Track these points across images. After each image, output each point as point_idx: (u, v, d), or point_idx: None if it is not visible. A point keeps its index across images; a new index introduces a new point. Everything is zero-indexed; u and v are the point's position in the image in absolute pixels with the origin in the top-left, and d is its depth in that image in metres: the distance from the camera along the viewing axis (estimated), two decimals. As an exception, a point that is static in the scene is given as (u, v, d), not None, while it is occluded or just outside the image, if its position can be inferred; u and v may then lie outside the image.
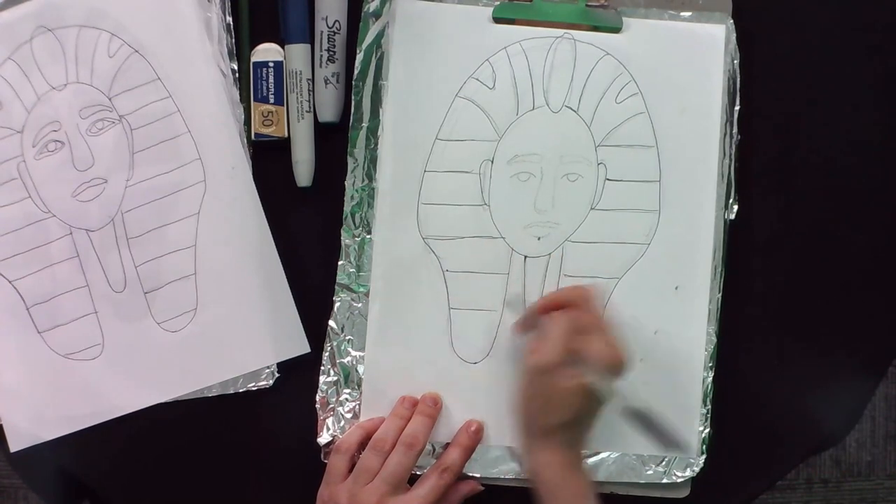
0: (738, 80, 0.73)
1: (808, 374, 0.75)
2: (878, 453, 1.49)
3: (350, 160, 0.72)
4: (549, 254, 0.72)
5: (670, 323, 0.72)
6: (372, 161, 0.72)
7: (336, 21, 0.72)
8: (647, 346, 0.72)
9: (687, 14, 0.73)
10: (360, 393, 0.72)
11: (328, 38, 0.72)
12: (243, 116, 0.72)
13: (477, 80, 0.72)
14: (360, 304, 0.72)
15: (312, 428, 0.72)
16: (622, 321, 0.72)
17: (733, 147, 0.73)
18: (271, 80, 0.72)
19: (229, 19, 0.72)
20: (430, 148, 0.72)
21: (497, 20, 0.73)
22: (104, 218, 0.72)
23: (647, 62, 0.73)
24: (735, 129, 0.73)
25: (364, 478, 0.67)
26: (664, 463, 0.73)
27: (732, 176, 0.73)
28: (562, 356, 0.63)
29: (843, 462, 1.48)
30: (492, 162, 0.72)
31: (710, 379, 0.73)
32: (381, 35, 0.72)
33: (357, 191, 0.72)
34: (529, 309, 0.70)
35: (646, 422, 0.62)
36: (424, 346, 0.72)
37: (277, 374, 0.72)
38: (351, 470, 0.69)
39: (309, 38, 0.72)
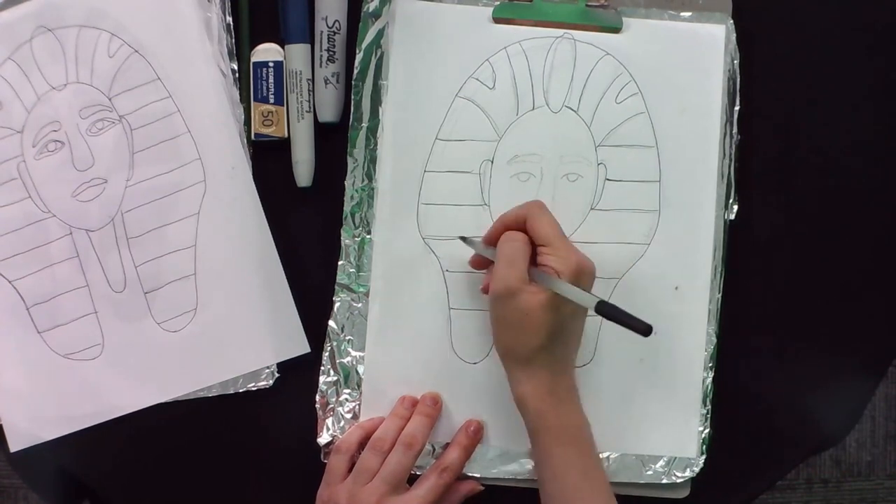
0: (738, 80, 0.73)
1: (808, 374, 0.75)
2: (878, 453, 1.49)
3: (350, 160, 0.72)
4: (549, 254, 0.72)
5: (670, 323, 0.72)
6: (372, 161, 0.72)
7: (336, 21, 0.72)
8: (647, 346, 0.72)
9: (687, 14, 0.73)
10: (360, 393, 0.72)
11: (328, 38, 0.72)
12: (243, 116, 0.72)
13: (477, 80, 0.73)
14: (360, 304, 0.72)
15: (312, 428, 0.72)
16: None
17: (733, 147, 0.73)
18: (271, 80, 0.72)
19: (229, 19, 0.72)
20: (430, 148, 0.72)
21: (497, 20, 0.73)
22: (104, 218, 0.72)
23: (647, 62, 0.73)
24: (735, 129, 0.73)
25: (363, 478, 0.67)
26: (664, 463, 0.73)
27: (732, 176, 0.73)
28: (522, 276, 0.62)
29: (843, 462, 1.49)
30: (492, 162, 0.72)
31: (710, 379, 0.73)
32: (380, 35, 0.72)
33: (357, 191, 0.72)
34: (481, 241, 0.69)
35: (614, 313, 0.59)
36: (424, 346, 0.72)
37: (277, 374, 0.73)
38: (351, 470, 0.69)
39: (309, 38, 0.72)
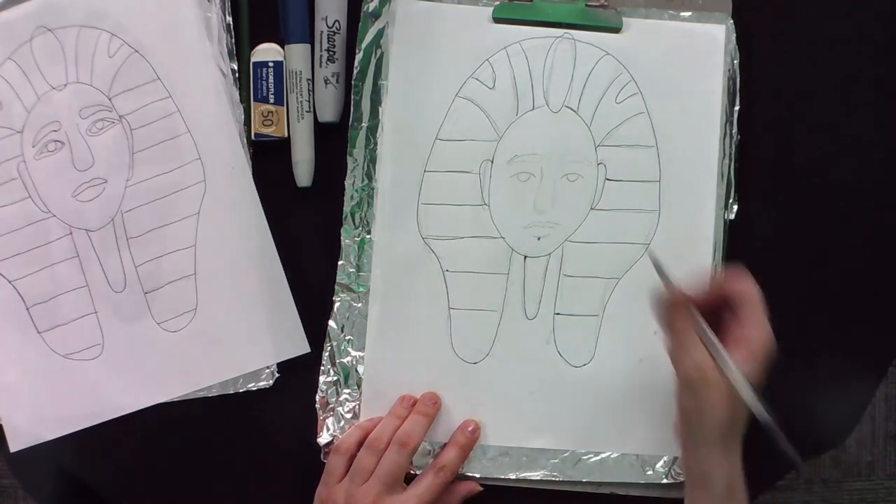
0: (738, 80, 0.73)
1: (808, 374, 0.75)
2: (878, 453, 1.49)
3: (350, 160, 0.72)
4: (549, 254, 0.72)
5: (670, 323, 0.72)
6: (372, 161, 0.72)
7: (336, 21, 0.72)
8: (647, 346, 0.72)
9: (687, 14, 0.73)
10: (360, 393, 0.72)
11: (328, 38, 0.72)
12: (243, 116, 0.72)
13: (477, 80, 0.73)
14: (359, 304, 0.72)
15: (312, 428, 0.72)
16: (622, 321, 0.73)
17: (733, 147, 0.73)
18: (271, 80, 0.72)
19: (229, 19, 0.72)
20: (429, 148, 0.72)
21: (497, 20, 0.73)
22: (104, 218, 0.72)
23: (647, 62, 0.73)
24: (735, 129, 0.73)
25: (360, 477, 0.68)
26: (664, 463, 0.73)
27: (732, 176, 0.73)
28: (713, 371, 0.59)
29: (843, 462, 1.49)
30: (491, 162, 0.72)
31: (710, 379, 0.73)
32: (380, 35, 0.72)
33: (357, 191, 0.72)
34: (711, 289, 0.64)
35: (775, 438, 0.58)
36: (424, 346, 0.72)
37: (277, 374, 0.73)
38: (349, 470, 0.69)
39: (309, 38, 0.72)
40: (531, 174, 0.72)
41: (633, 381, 0.73)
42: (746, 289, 0.62)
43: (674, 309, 0.62)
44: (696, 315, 0.62)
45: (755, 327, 0.61)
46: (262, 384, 0.73)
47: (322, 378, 0.72)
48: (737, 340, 0.61)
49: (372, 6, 0.72)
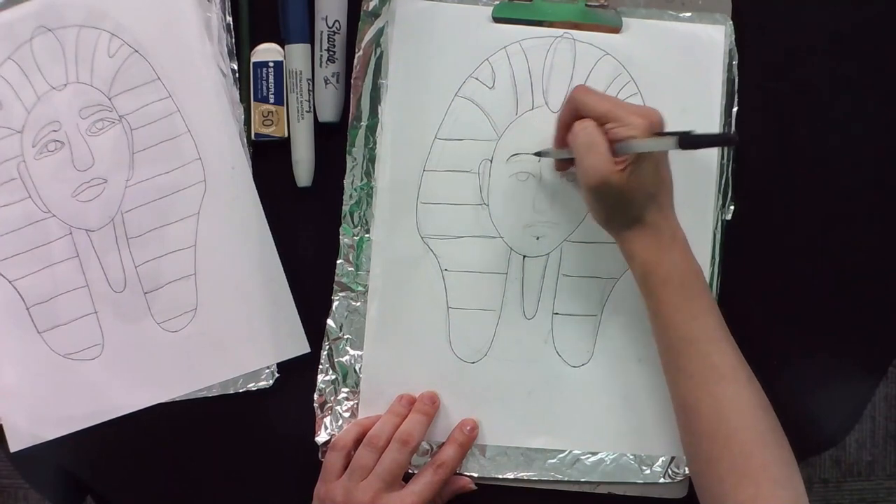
0: (737, 80, 0.73)
1: (808, 374, 0.75)
2: (878, 453, 1.49)
3: (349, 159, 0.72)
4: (548, 254, 0.72)
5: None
6: (371, 160, 0.72)
7: (336, 21, 0.72)
8: (645, 347, 0.72)
9: (687, 14, 0.73)
10: (359, 392, 0.72)
11: (328, 37, 0.72)
12: (243, 116, 0.72)
13: (476, 79, 0.73)
14: (358, 303, 0.72)
15: (312, 427, 0.72)
16: (620, 320, 0.73)
17: (731, 148, 0.73)
18: (271, 80, 0.72)
19: (229, 19, 0.72)
20: (429, 147, 0.72)
21: (497, 20, 0.73)
22: (104, 218, 0.72)
23: (646, 62, 0.73)
24: (733, 130, 0.73)
25: (359, 474, 0.68)
26: (662, 463, 0.73)
27: (730, 176, 0.73)
28: (607, 157, 0.60)
29: (843, 462, 1.49)
30: (491, 161, 0.72)
31: (709, 379, 0.72)
32: (380, 34, 0.72)
33: (356, 190, 0.72)
34: (553, 148, 0.69)
35: (700, 140, 0.57)
36: (422, 345, 0.72)
37: (277, 374, 0.73)
38: (347, 467, 0.69)
39: (309, 38, 0.72)
40: (530, 174, 0.72)
41: (631, 381, 0.73)
42: (573, 95, 0.64)
43: (575, 130, 0.63)
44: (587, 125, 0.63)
45: (620, 122, 0.61)
46: (262, 384, 0.73)
47: (320, 377, 0.72)
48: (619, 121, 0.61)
49: (372, 5, 0.72)
